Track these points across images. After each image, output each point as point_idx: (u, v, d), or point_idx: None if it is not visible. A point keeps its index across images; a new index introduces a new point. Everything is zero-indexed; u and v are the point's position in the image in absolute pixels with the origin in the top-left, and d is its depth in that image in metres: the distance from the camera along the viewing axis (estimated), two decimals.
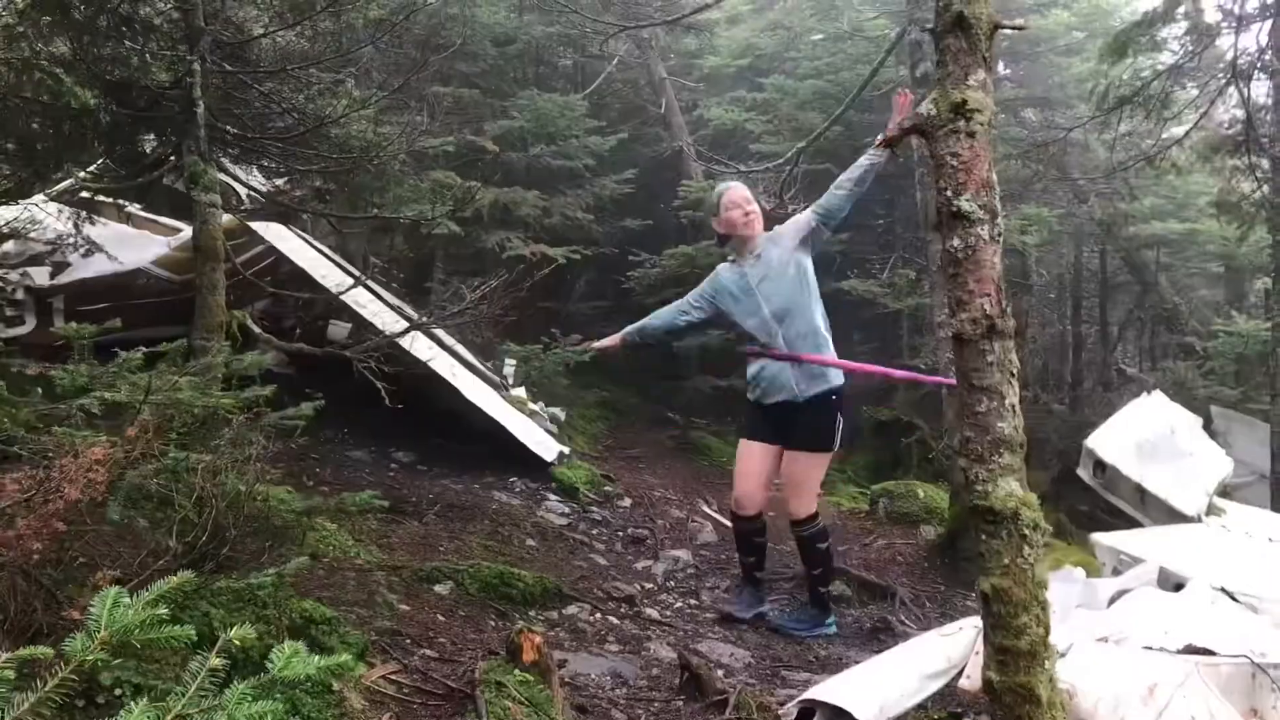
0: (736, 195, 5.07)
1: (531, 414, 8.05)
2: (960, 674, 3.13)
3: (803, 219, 5.03)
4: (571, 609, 4.83)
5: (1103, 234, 12.45)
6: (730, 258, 5.16)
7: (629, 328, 5.41)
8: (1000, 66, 13.51)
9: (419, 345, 6.76)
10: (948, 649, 3.20)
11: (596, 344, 5.52)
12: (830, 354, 4.99)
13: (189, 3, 5.64)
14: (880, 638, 5.08)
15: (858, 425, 10.65)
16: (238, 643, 1.54)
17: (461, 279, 8.28)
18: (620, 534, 6.53)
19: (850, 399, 5.17)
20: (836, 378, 4.98)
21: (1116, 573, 4.25)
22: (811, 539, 5.06)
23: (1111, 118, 7.33)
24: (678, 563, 6.02)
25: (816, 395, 4.92)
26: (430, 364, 6.86)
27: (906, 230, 12.20)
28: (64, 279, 6.78)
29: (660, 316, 5.42)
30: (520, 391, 8.57)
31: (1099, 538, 4.67)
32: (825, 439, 4.99)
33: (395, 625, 3.90)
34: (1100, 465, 6.32)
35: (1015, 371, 2.13)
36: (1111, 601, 3.34)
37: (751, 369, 5.12)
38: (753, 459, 5.10)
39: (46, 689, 1.39)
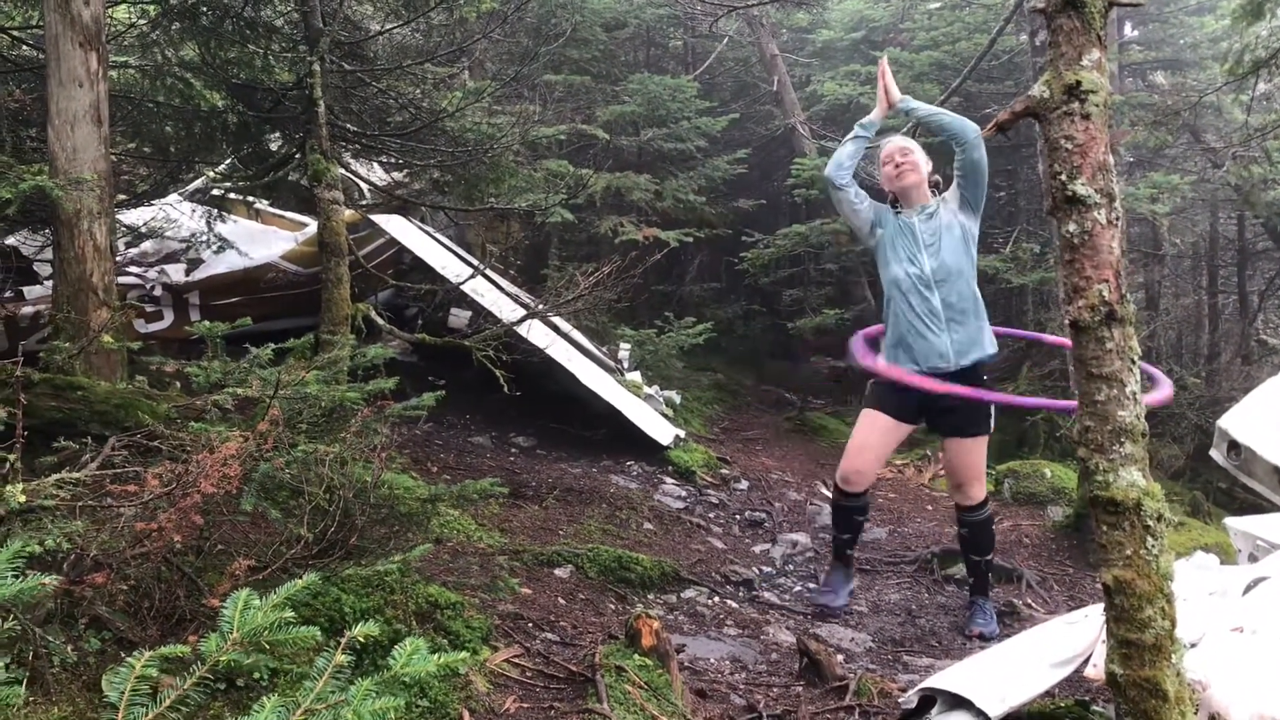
0: (887, 149, 4.79)
1: (646, 398, 8.10)
2: (1086, 662, 3.04)
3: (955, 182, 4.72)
4: (690, 592, 4.86)
5: (1240, 200, 11.90)
6: (897, 210, 4.79)
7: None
8: (1127, 29, 13.00)
9: (536, 332, 6.86)
10: (1073, 636, 3.11)
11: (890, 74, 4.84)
12: (985, 324, 4.67)
13: (308, 4, 5.81)
14: (1006, 621, 4.97)
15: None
16: (362, 639, 1.61)
17: (576, 265, 8.37)
18: (737, 517, 6.53)
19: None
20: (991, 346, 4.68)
21: (1253, 559, 4.07)
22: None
23: (1247, 81, 6.95)
24: (796, 546, 5.99)
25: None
26: (548, 350, 6.96)
27: (1030, 203, 11.87)
28: (198, 275, 7.08)
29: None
30: (635, 375, 8.63)
31: (1233, 522, 4.46)
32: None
33: (517, 609, 3.97)
34: (1234, 446, 6.00)
35: (1136, 358, 2.06)
36: (1247, 590, 3.20)
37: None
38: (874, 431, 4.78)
39: (186, 686, 1.48)
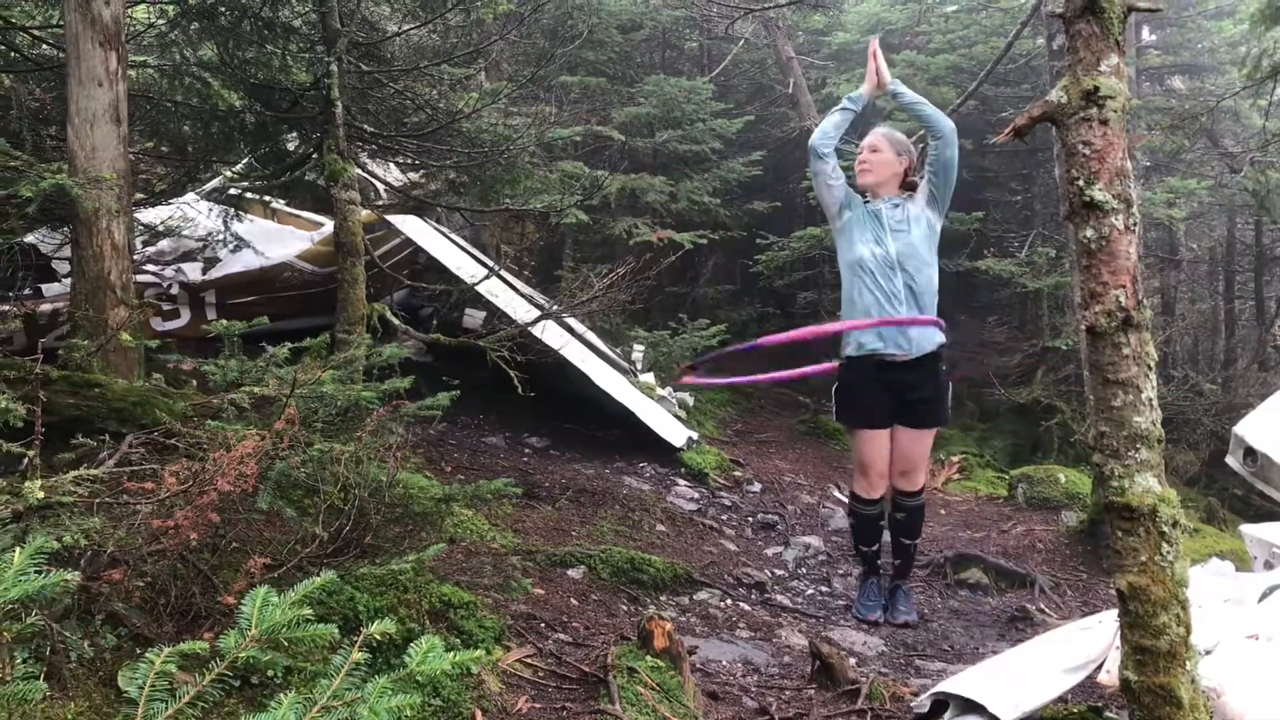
0: (863, 141, 4.93)
1: (660, 399, 8.10)
2: (1100, 667, 3.03)
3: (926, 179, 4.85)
4: (702, 595, 4.86)
5: (1257, 205, 11.84)
6: (866, 200, 4.88)
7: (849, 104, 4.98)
8: (1145, 33, 12.94)
9: (550, 333, 6.87)
10: (1087, 642, 3.11)
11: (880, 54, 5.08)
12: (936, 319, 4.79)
13: (326, 5, 5.83)
14: (1019, 627, 4.96)
15: (998, 408, 10.41)
16: (378, 637, 1.62)
17: (590, 266, 8.39)
18: (750, 519, 6.53)
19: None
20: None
21: (1269, 566, 4.05)
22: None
23: (1265, 85, 6.91)
24: (809, 549, 5.99)
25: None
26: (561, 351, 6.97)
27: (1045, 207, 11.84)
28: (215, 274, 7.11)
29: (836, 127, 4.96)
30: (649, 377, 8.63)
31: (1248, 529, 4.44)
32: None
33: (530, 609, 3.98)
34: (1251, 453, 5.96)
35: (1152, 364, 2.06)
36: (1263, 597, 3.19)
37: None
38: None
39: (205, 682, 1.49)
